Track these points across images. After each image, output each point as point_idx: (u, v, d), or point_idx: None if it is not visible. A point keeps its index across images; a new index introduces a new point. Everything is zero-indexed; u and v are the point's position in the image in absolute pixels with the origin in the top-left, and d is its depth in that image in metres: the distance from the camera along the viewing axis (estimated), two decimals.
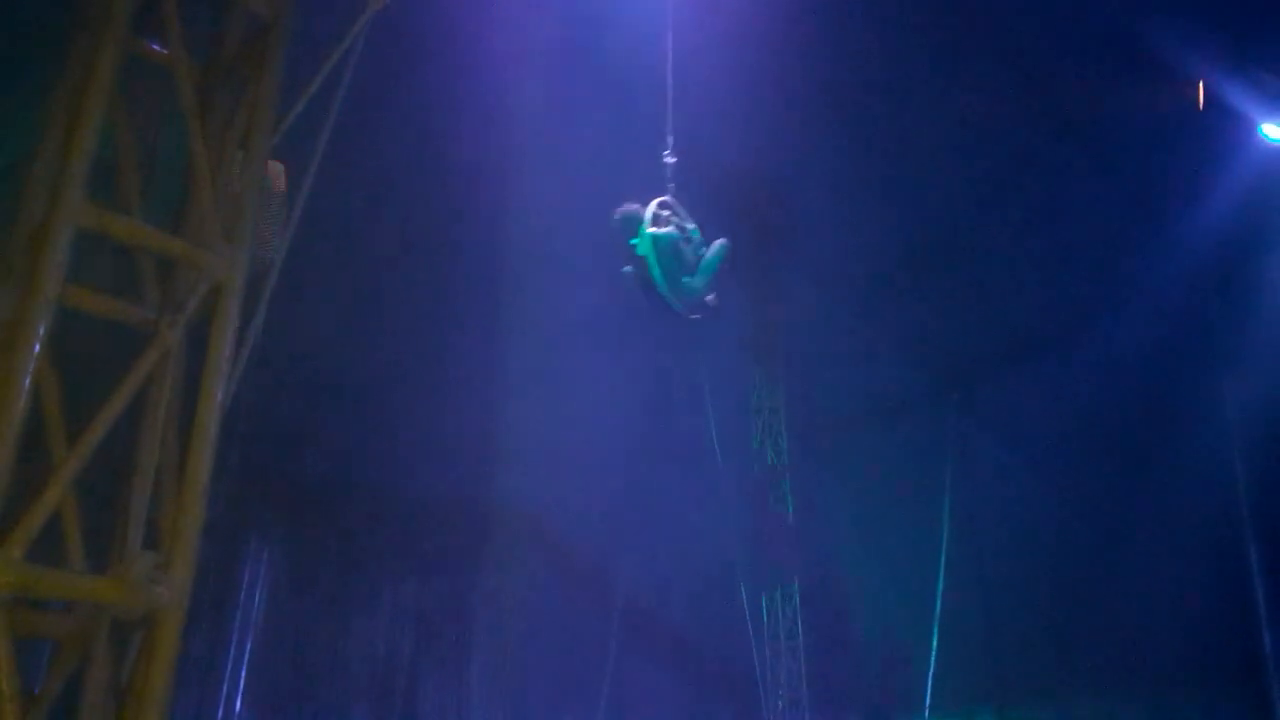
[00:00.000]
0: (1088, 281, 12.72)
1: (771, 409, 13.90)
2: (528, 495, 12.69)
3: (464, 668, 12.09)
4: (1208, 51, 10.09)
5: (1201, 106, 10.63)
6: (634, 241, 6.30)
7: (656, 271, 6.20)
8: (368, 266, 11.70)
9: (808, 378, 14.28)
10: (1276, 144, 10.75)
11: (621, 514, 13.57)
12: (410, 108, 10.73)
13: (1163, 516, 11.87)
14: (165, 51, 4.75)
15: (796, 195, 13.22)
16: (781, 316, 13.93)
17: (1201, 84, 10.60)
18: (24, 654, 4.16)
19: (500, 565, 12.81)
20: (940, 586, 13.40)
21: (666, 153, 6.81)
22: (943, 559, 13.44)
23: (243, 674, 10.07)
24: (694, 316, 6.50)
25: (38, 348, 4.04)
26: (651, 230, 6.22)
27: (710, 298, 6.48)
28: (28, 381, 4.01)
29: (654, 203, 6.39)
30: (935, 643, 13.29)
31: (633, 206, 6.38)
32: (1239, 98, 10.43)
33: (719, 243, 6.49)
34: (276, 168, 5.25)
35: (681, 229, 6.38)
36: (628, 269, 6.37)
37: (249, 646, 10.17)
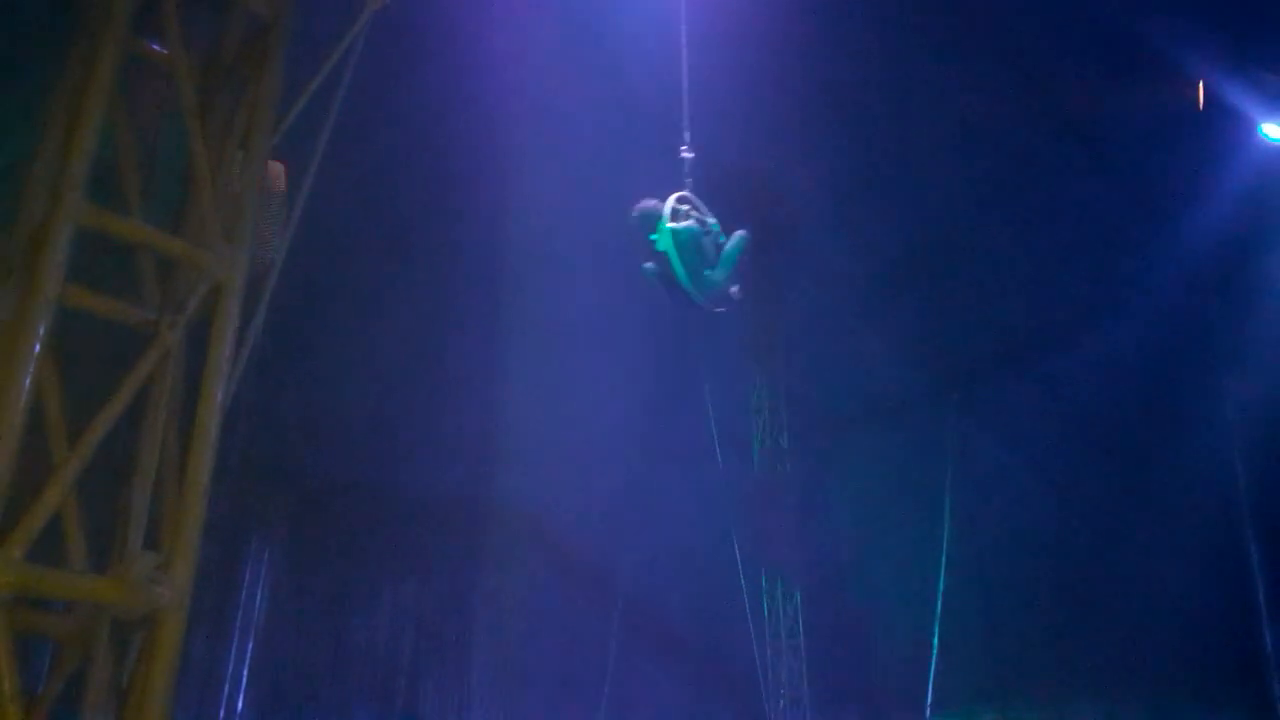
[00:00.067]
0: (1087, 281, 12.72)
1: (771, 409, 13.90)
2: (528, 495, 12.69)
3: (464, 667, 12.09)
4: (1208, 51, 10.09)
5: (1201, 106, 10.64)
6: (653, 237, 6.26)
7: (678, 266, 6.15)
8: (368, 266, 11.71)
9: (808, 378, 14.28)
10: (1276, 143, 10.75)
11: (621, 514, 13.57)
12: (410, 107, 10.73)
13: (1163, 516, 11.88)
14: (165, 51, 4.75)
15: (797, 195, 13.22)
16: (781, 316, 13.93)
17: (1201, 84, 10.60)
18: (25, 654, 4.16)
19: (501, 565, 12.80)
20: (941, 586, 13.39)
21: (684, 148, 6.78)
22: (943, 558, 13.44)
23: (244, 674, 10.08)
24: (718, 310, 6.46)
25: (38, 348, 4.04)
26: (671, 225, 6.19)
27: (734, 290, 6.44)
28: (28, 381, 4.01)
29: (672, 197, 6.35)
30: (936, 642, 13.29)
31: (651, 202, 6.34)
32: (1239, 97, 10.43)
33: (738, 234, 6.44)
34: (276, 168, 5.25)
35: (702, 223, 6.34)
36: (648, 265, 6.32)
37: (250, 646, 10.17)
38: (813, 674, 12.72)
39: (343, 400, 11.57)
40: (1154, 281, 11.95)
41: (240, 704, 9.97)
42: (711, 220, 6.45)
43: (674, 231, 6.15)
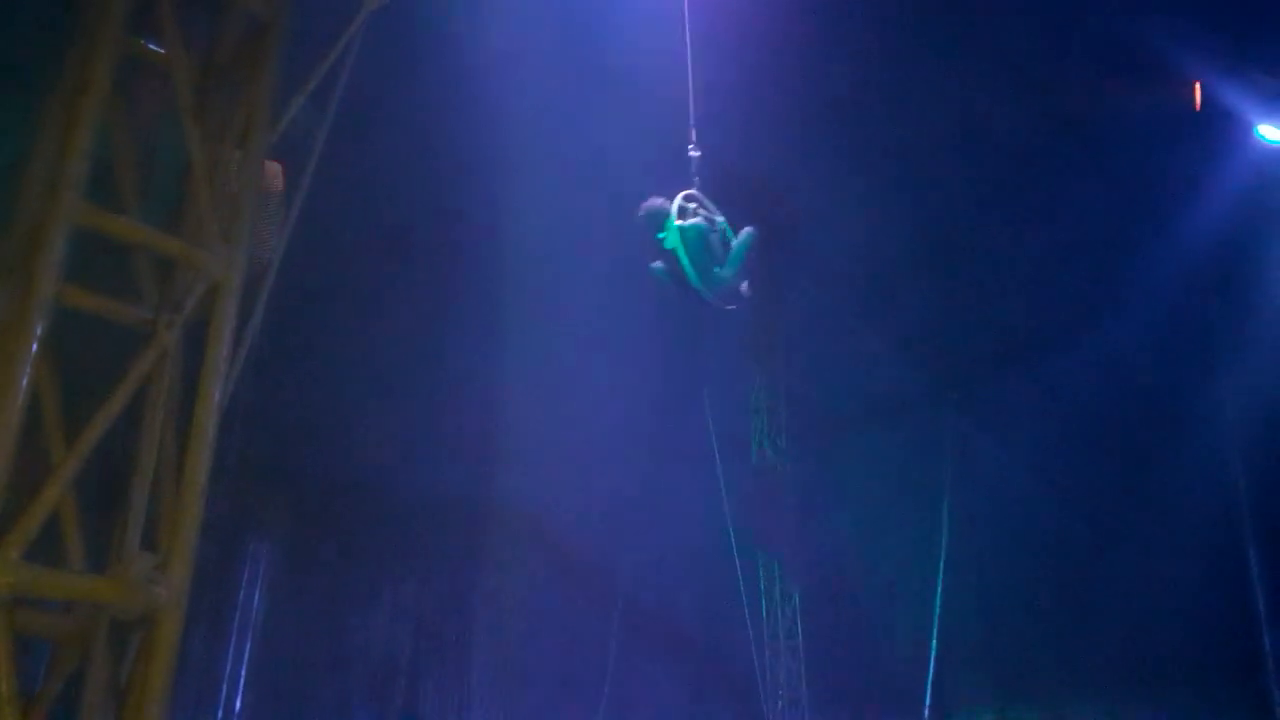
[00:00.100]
0: (1086, 282, 12.73)
1: (771, 409, 13.89)
2: (527, 495, 12.70)
3: (464, 667, 12.09)
4: (1204, 53, 10.10)
5: (1198, 107, 10.64)
6: (661, 236, 6.26)
7: (687, 264, 6.14)
8: (367, 266, 11.71)
9: (807, 378, 14.28)
10: (1273, 144, 10.76)
11: (621, 514, 13.57)
12: (411, 107, 10.73)
13: (1161, 517, 11.89)
14: (163, 51, 4.75)
15: (796, 195, 13.22)
16: (781, 316, 13.93)
17: (1198, 85, 10.61)
18: (23, 654, 4.16)
19: (500, 565, 12.81)
20: (940, 586, 13.40)
21: (691, 146, 6.78)
22: (942, 559, 13.44)
23: (242, 674, 10.08)
24: (729, 307, 6.45)
25: (35, 348, 4.04)
26: (679, 223, 6.18)
27: (743, 287, 6.43)
28: (25, 381, 4.01)
29: (679, 196, 6.35)
30: (935, 642, 13.29)
31: (658, 200, 6.34)
32: (1235, 99, 10.44)
33: (746, 231, 6.43)
34: (274, 167, 5.25)
35: (710, 220, 6.34)
36: (656, 264, 6.32)
37: (248, 646, 10.18)
38: (811, 675, 12.71)
39: (341, 400, 11.57)
40: (1152, 282, 11.96)
41: (238, 704, 9.97)
42: (720, 218, 6.44)
43: (681, 229, 6.14)
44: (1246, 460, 11.73)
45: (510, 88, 10.82)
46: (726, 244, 6.36)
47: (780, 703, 12.53)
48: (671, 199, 6.32)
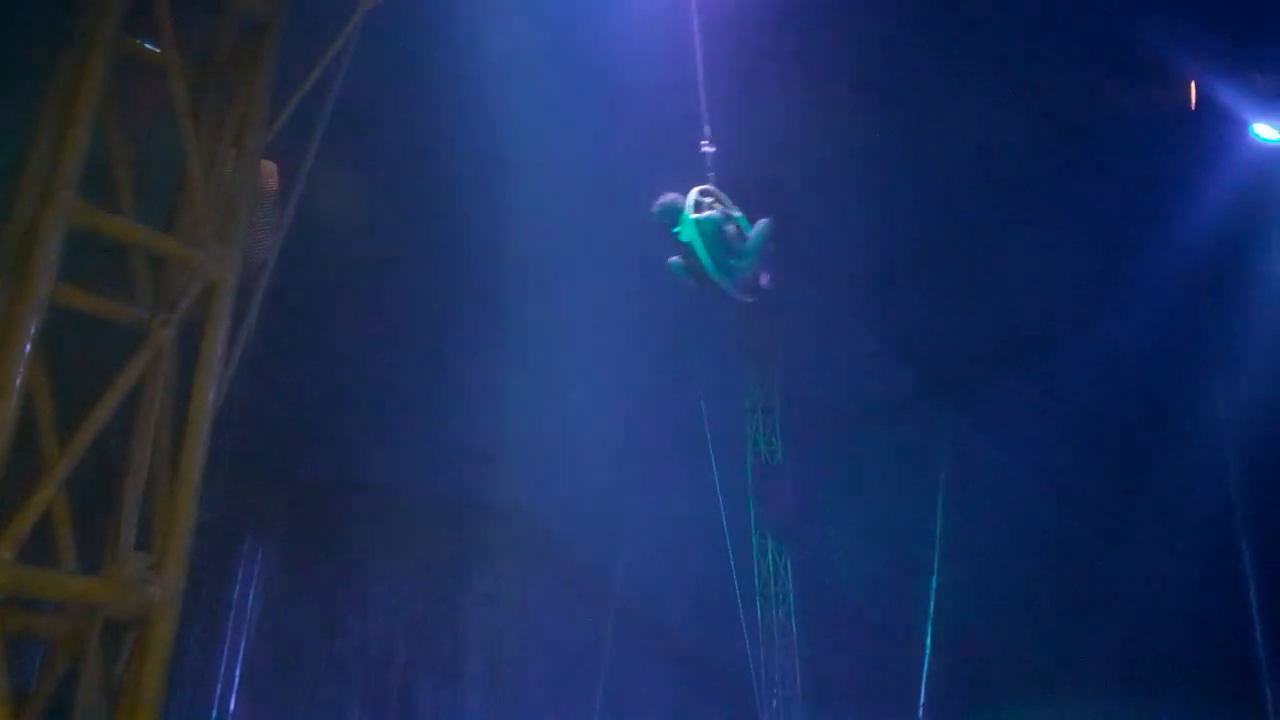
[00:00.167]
0: (1082, 281, 12.75)
1: (766, 409, 13.91)
2: (522, 496, 12.70)
3: (458, 667, 12.09)
4: (1200, 52, 10.12)
5: (1193, 107, 10.67)
6: (676, 230, 6.25)
7: (704, 257, 6.13)
8: (364, 266, 11.70)
9: (803, 377, 14.29)
10: (1268, 144, 10.78)
11: (617, 514, 13.58)
12: (408, 107, 10.73)
13: (1157, 516, 11.90)
14: (159, 51, 4.74)
15: (794, 194, 13.24)
16: (777, 316, 13.95)
17: (1193, 84, 10.63)
18: (17, 654, 4.15)
19: (494, 565, 12.80)
20: (935, 586, 13.41)
21: (704, 142, 6.78)
22: (937, 558, 13.46)
23: (236, 674, 10.06)
24: (749, 300, 6.44)
25: (29, 347, 4.03)
26: (694, 216, 6.18)
27: (764, 279, 6.41)
28: (19, 381, 4.00)
29: (694, 190, 6.35)
30: (929, 642, 13.30)
31: (671, 195, 6.34)
32: (1231, 98, 10.46)
33: (762, 222, 6.43)
34: (270, 167, 5.24)
35: (726, 214, 6.34)
36: (674, 259, 6.31)
37: (243, 646, 10.16)
38: (806, 674, 12.73)
39: (337, 400, 11.56)
40: (1149, 281, 11.97)
41: (233, 703, 9.96)
42: (736, 212, 6.43)
43: (697, 222, 6.14)
44: (1244, 459, 11.75)
45: (508, 88, 10.82)
46: (743, 237, 6.35)
47: (775, 702, 12.55)
48: (686, 194, 6.32)
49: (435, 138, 11.10)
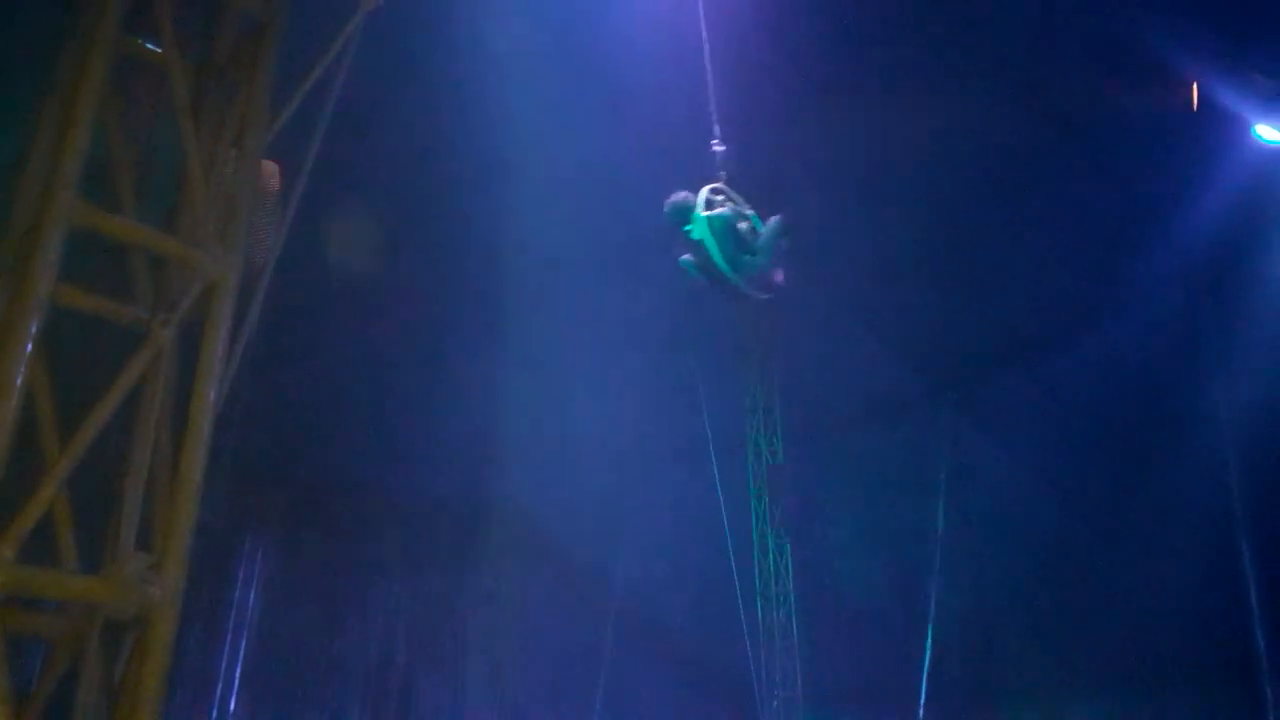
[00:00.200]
0: (1082, 281, 12.75)
1: (766, 409, 13.90)
2: (522, 496, 12.70)
3: (459, 667, 12.10)
4: (1202, 53, 10.11)
5: (1195, 108, 10.66)
6: (688, 228, 6.25)
7: (716, 254, 6.12)
8: (365, 266, 11.71)
9: (803, 377, 14.29)
10: (1270, 144, 10.78)
11: (617, 515, 13.58)
12: (409, 108, 10.74)
13: (1157, 516, 11.90)
14: (160, 51, 4.74)
15: (793, 194, 13.24)
16: (777, 316, 13.95)
17: (1195, 85, 10.62)
18: (17, 654, 4.16)
19: (495, 565, 12.81)
20: (935, 586, 13.41)
21: (715, 141, 6.79)
22: (937, 558, 13.46)
23: (237, 673, 10.07)
24: (763, 297, 6.43)
25: (30, 347, 4.03)
26: (706, 214, 6.18)
27: (778, 276, 6.40)
28: (20, 381, 4.00)
29: (706, 188, 6.36)
30: (930, 642, 13.30)
31: (682, 194, 6.35)
32: (1232, 99, 10.45)
33: (775, 218, 6.43)
34: (271, 167, 5.24)
35: (738, 212, 6.33)
36: (685, 257, 6.31)
37: (243, 646, 10.17)
38: (806, 674, 12.73)
39: (338, 400, 11.57)
40: (1149, 281, 11.98)
41: (233, 703, 9.97)
42: (749, 210, 6.44)
43: (708, 219, 6.14)
44: (1244, 459, 11.74)
45: (508, 89, 10.83)
46: (756, 234, 6.35)
47: (776, 702, 12.54)
48: (698, 192, 6.33)
49: (435, 138, 11.11)
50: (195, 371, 4.56)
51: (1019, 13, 10.39)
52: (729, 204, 6.34)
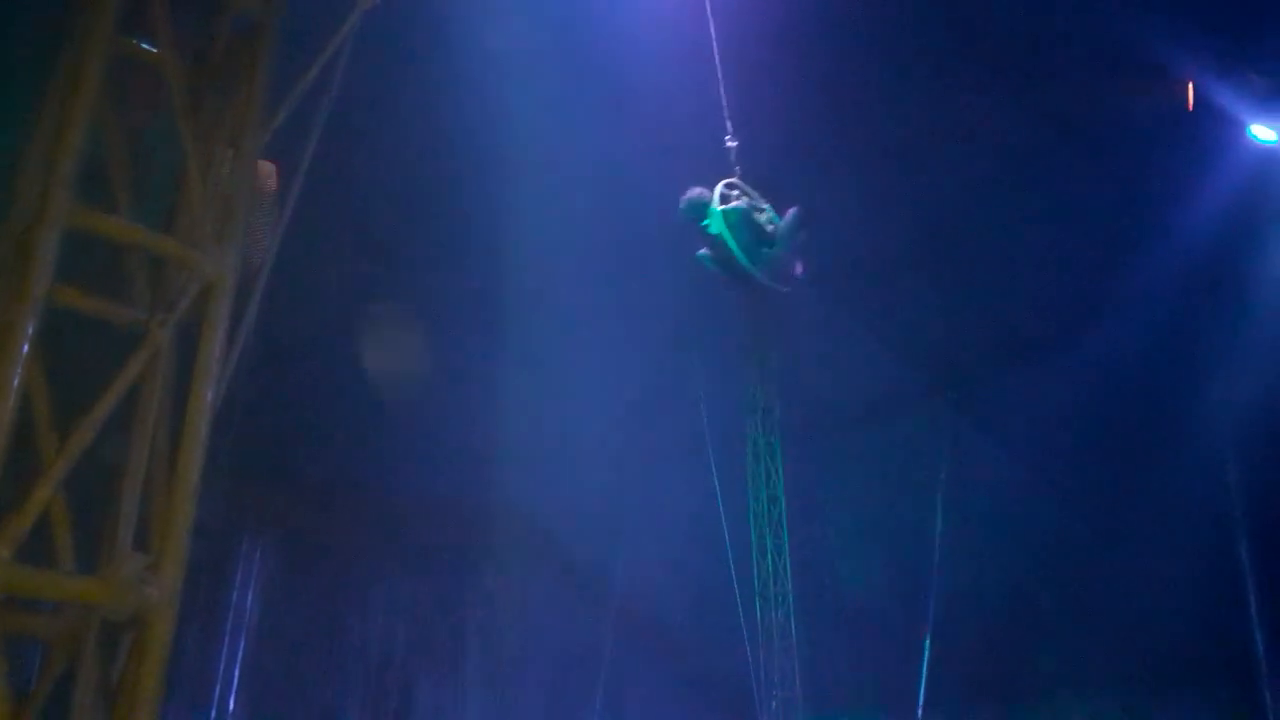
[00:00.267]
0: (1081, 281, 12.76)
1: (766, 409, 13.90)
2: (523, 495, 12.70)
3: (458, 667, 12.10)
4: (1198, 53, 10.13)
5: (1192, 108, 10.68)
6: (705, 223, 6.27)
7: (734, 247, 6.14)
8: (363, 266, 11.71)
9: (803, 377, 14.30)
10: (1265, 144, 10.80)
11: (616, 515, 13.58)
12: (408, 107, 10.74)
13: (1156, 516, 11.91)
14: (156, 51, 4.74)
15: (792, 194, 13.22)
16: (777, 316, 13.95)
17: (1191, 85, 10.64)
18: (14, 655, 4.16)
19: (495, 565, 12.81)
20: (934, 586, 13.41)
21: (728, 136, 6.81)
22: (936, 558, 13.46)
23: (235, 674, 10.07)
24: (784, 289, 6.45)
25: (26, 348, 4.03)
26: (721, 208, 6.20)
27: (798, 268, 6.42)
28: (17, 382, 4.00)
29: (721, 184, 6.39)
30: (929, 642, 13.30)
31: (697, 190, 6.37)
32: (1228, 98, 10.48)
33: (792, 210, 6.45)
34: (268, 167, 5.24)
35: (754, 206, 6.35)
36: (703, 251, 6.33)
37: (241, 646, 10.17)
38: (805, 675, 12.72)
39: (336, 400, 11.56)
40: (1146, 281, 11.99)
41: (232, 704, 9.96)
42: (765, 204, 6.45)
43: (725, 212, 6.16)
44: (1242, 459, 11.76)
45: (507, 88, 10.83)
46: (774, 227, 6.37)
47: (774, 703, 12.54)
48: (713, 188, 6.36)
49: (435, 137, 11.12)
50: (193, 372, 4.56)
51: (1018, 14, 10.40)
52: (744, 198, 6.36)
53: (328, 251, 10.52)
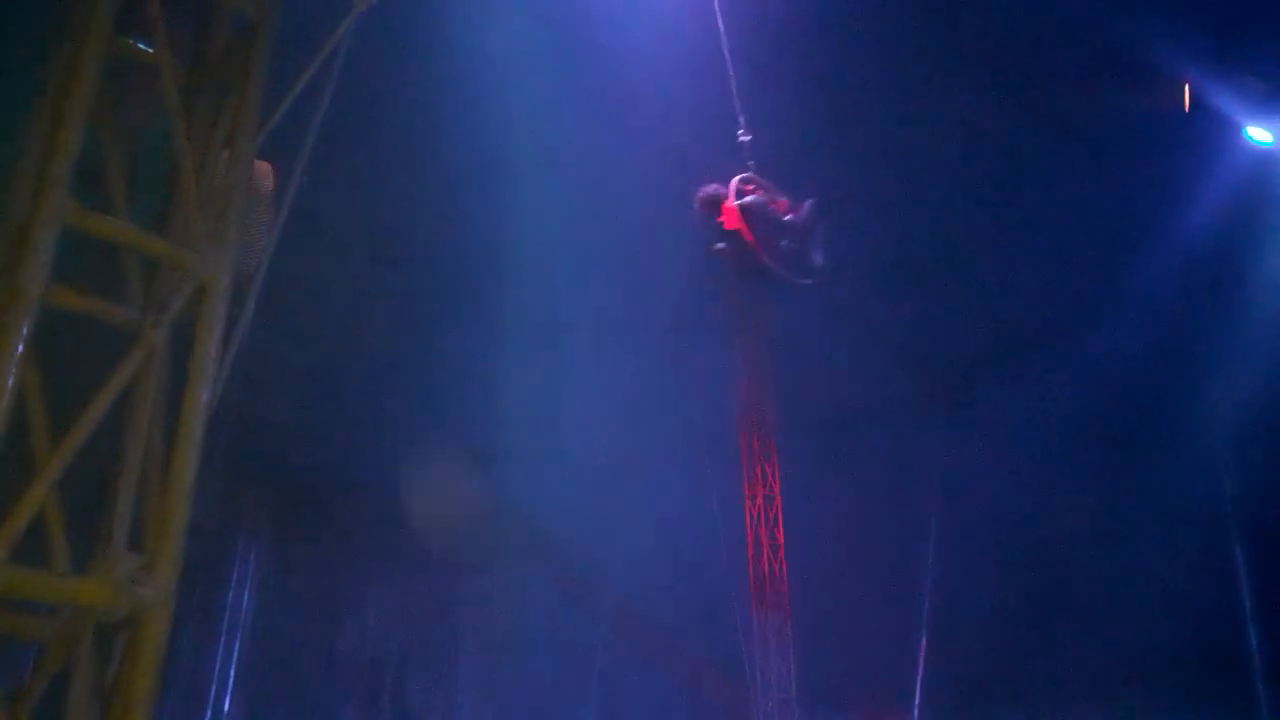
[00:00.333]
0: (1078, 282, 12.78)
1: (762, 409, 13.88)
2: (521, 496, 12.69)
3: (453, 667, 12.09)
4: (1194, 55, 10.15)
5: (1188, 109, 10.70)
6: (720, 220, 6.27)
7: (752, 241, 6.13)
8: (360, 266, 11.70)
9: (802, 377, 14.30)
10: (1261, 146, 10.83)
11: (614, 515, 13.57)
12: (406, 107, 10.73)
13: (1152, 517, 11.93)
14: (151, 51, 4.73)
15: (791, 194, 13.21)
16: (772, 318, 13.95)
17: (1188, 87, 10.66)
18: (8, 655, 4.15)
19: (490, 565, 12.80)
20: (929, 587, 13.42)
21: (740, 131, 6.81)
22: (931, 559, 13.47)
23: (230, 674, 10.06)
24: (805, 281, 6.45)
25: (21, 348, 4.03)
26: (737, 203, 6.19)
27: (818, 259, 6.42)
28: (11, 382, 4.00)
29: (735, 179, 6.39)
30: (926, 643, 13.31)
31: (713, 186, 6.38)
32: (1224, 100, 10.50)
33: (809, 201, 6.45)
34: (264, 167, 5.23)
35: (771, 199, 6.35)
36: (719, 246, 6.32)
37: (237, 646, 10.16)
38: (801, 675, 12.73)
39: (332, 401, 11.55)
40: (1143, 282, 12.01)
41: (227, 704, 9.96)
42: (781, 197, 6.45)
43: (740, 207, 6.15)
44: (1240, 460, 11.77)
45: (505, 87, 10.82)
46: (792, 220, 6.36)
47: (771, 703, 12.54)
48: (728, 183, 6.35)
49: (433, 137, 11.11)
50: (188, 372, 4.55)
51: (1016, 14, 10.41)
52: (760, 192, 6.36)
53: (323, 251, 10.51)
